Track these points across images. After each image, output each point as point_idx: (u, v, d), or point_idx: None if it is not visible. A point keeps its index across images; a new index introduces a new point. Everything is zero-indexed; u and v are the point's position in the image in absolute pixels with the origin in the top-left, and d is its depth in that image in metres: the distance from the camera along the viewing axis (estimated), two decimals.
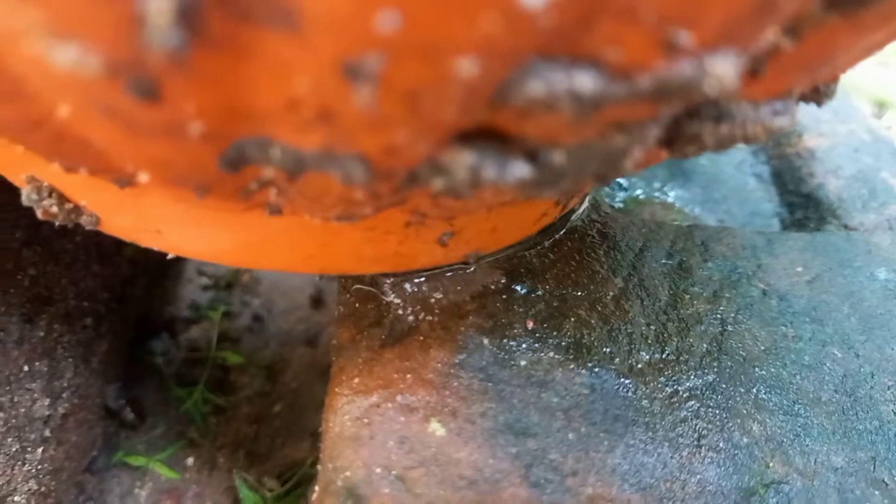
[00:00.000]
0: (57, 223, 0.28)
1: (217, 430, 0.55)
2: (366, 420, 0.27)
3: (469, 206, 0.24)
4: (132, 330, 0.54)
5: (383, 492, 0.26)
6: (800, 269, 0.37)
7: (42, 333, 0.38)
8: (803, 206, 0.45)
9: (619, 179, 0.45)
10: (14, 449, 0.36)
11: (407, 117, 0.15)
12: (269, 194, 0.22)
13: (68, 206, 0.28)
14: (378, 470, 0.26)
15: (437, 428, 0.27)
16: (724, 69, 0.14)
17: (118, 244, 0.49)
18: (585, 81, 0.14)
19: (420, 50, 0.13)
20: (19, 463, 0.36)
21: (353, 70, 0.13)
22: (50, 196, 0.27)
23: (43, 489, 0.39)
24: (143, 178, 0.20)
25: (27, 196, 0.28)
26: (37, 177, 0.27)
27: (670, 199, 0.44)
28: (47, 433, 0.38)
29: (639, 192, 0.44)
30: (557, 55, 0.14)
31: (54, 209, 0.27)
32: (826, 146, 0.48)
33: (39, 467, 0.38)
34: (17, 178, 0.28)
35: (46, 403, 0.38)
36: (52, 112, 0.17)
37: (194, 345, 0.60)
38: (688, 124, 0.19)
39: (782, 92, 0.18)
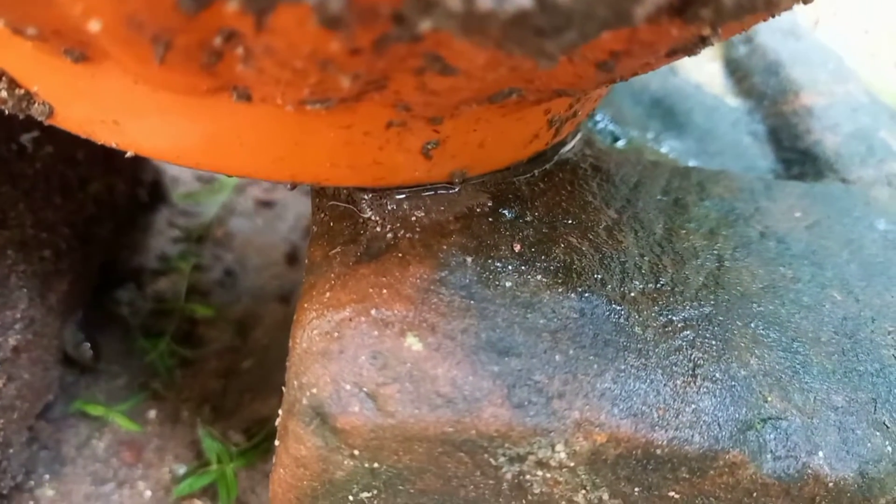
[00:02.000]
0: (6, 111, 0.26)
1: (182, 384, 0.52)
2: (336, 334, 0.25)
3: (457, 94, 0.22)
4: (97, 276, 0.51)
5: (352, 409, 0.24)
6: (798, 214, 0.35)
7: None
8: (800, 162, 0.43)
9: (610, 127, 0.43)
10: None
11: None
12: (236, 61, 0.20)
13: (19, 91, 0.25)
14: (347, 387, 0.24)
15: (413, 343, 0.24)
16: None
17: (82, 180, 0.46)
18: None
19: None
20: None
21: None
22: (0, 80, 0.25)
23: None
24: (95, 27, 0.18)
25: None
26: None
27: (664, 150, 0.43)
28: None
29: (631, 141, 0.43)
30: None
31: (3, 94, 0.25)
32: (823, 104, 0.46)
33: None
34: None
35: None
36: None
37: (162, 296, 0.57)
38: None
39: None
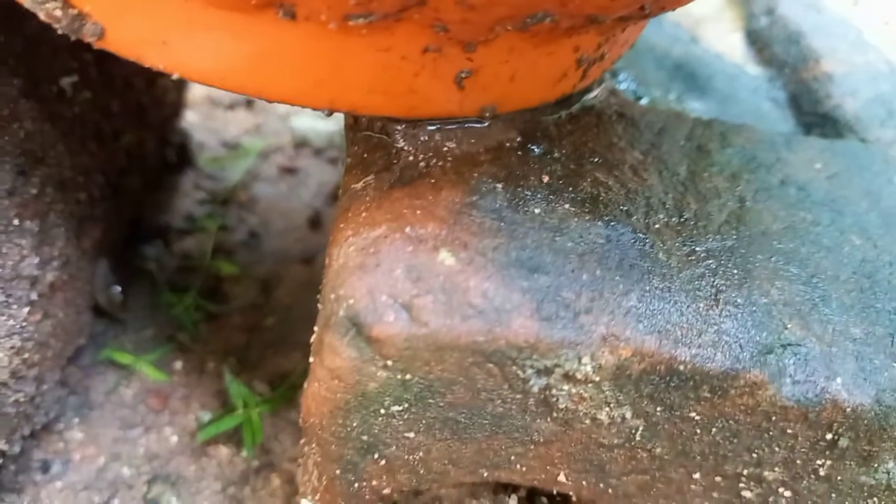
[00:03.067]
0: (59, 30, 0.27)
1: (207, 337, 0.53)
2: (372, 249, 0.26)
3: (495, 11, 0.23)
4: (126, 228, 0.53)
5: (387, 319, 0.25)
6: (818, 165, 0.36)
7: (34, 191, 0.37)
8: (820, 125, 0.44)
9: (633, 87, 0.44)
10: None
11: None
12: None
13: (72, 11, 0.26)
14: (383, 298, 0.25)
15: (446, 257, 0.25)
16: None
17: (116, 131, 0.47)
18: None
19: None
20: (3, 317, 0.35)
21: None
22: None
23: (26, 356, 0.38)
24: None
25: None
26: None
27: (686, 110, 0.44)
28: (34, 296, 0.37)
29: (653, 101, 0.43)
30: None
31: (58, 13, 0.26)
32: (844, 71, 0.47)
33: (24, 327, 0.36)
34: None
35: (35, 263, 0.37)
36: None
37: (188, 254, 0.58)
38: None
39: None
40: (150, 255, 0.57)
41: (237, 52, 0.26)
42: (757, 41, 0.53)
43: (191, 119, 0.68)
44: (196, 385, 0.51)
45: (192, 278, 0.56)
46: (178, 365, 0.51)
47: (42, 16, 0.26)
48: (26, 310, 0.36)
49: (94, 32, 0.27)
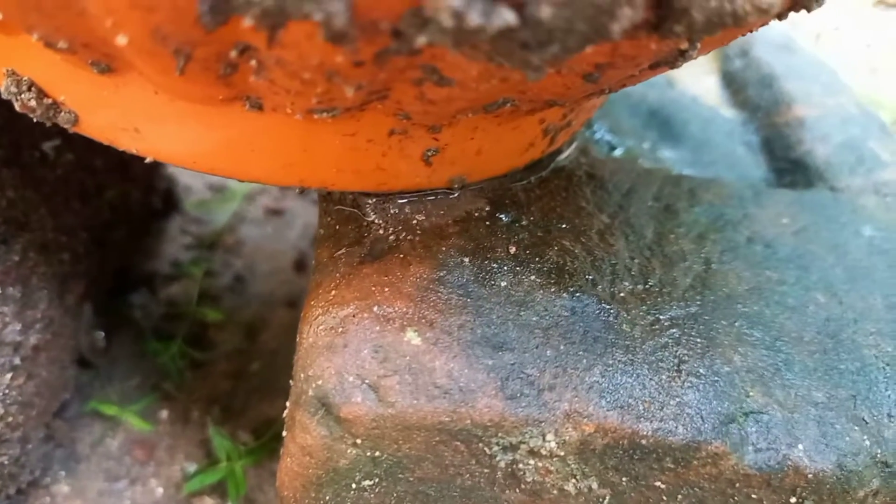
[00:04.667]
0: (35, 119, 0.27)
1: (193, 385, 0.54)
2: (340, 329, 0.26)
3: (454, 104, 0.24)
4: (111, 280, 0.53)
5: (355, 400, 0.25)
6: (786, 220, 0.36)
7: (17, 258, 0.37)
8: (791, 172, 0.44)
9: (607, 137, 0.44)
10: None
11: None
12: (249, 72, 0.22)
13: (47, 101, 0.27)
14: (351, 378, 0.25)
15: (412, 337, 0.26)
16: None
17: (100, 187, 0.48)
18: None
19: None
20: None
21: None
22: (29, 90, 0.27)
23: (10, 419, 0.38)
24: (122, 40, 0.20)
25: (6, 89, 0.27)
26: (16, 70, 0.27)
27: (660, 159, 0.44)
28: (17, 361, 0.38)
29: (628, 151, 0.44)
30: None
31: (33, 103, 0.27)
32: (815, 116, 0.48)
33: (7, 393, 0.37)
34: None
35: (17, 329, 0.37)
36: None
37: (174, 301, 0.59)
38: None
39: None
40: (135, 303, 0.57)
41: (207, 139, 0.27)
42: (732, 83, 0.54)
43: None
44: (181, 435, 0.51)
45: (177, 325, 0.56)
46: (164, 414, 0.52)
47: (17, 106, 0.27)
48: (9, 375, 0.37)
49: (69, 120, 0.27)
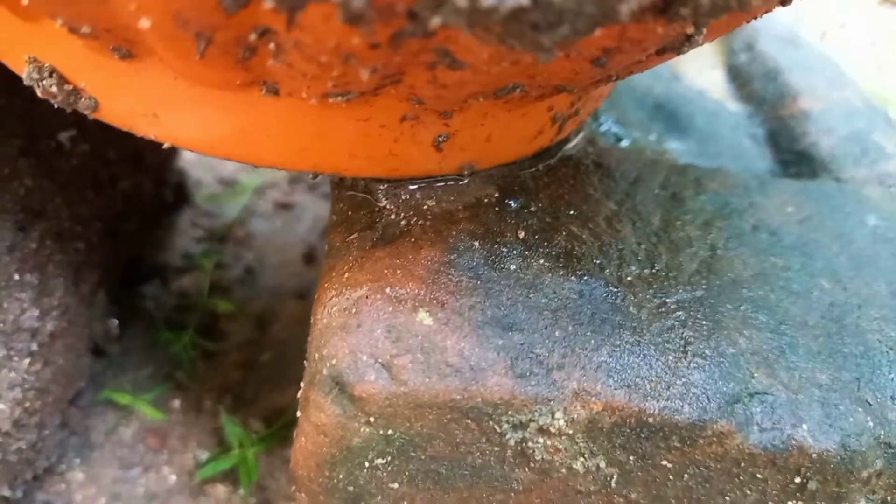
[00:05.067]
0: (56, 104, 0.28)
1: (204, 375, 0.54)
2: (354, 310, 0.27)
3: (465, 88, 0.24)
4: (123, 270, 0.54)
5: (368, 378, 0.26)
6: (791, 209, 0.37)
7: (34, 245, 0.38)
8: (796, 163, 0.45)
9: (614, 129, 0.45)
10: (1, 354, 0.36)
11: None
12: (267, 56, 0.22)
13: (68, 87, 0.28)
14: (364, 357, 0.26)
15: (424, 317, 0.27)
16: None
17: (113, 177, 0.49)
18: None
19: None
20: (5, 369, 0.36)
21: None
22: (51, 76, 0.28)
23: (28, 405, 0.39)
24: (145, 24, 0.21)
25: (28, 75, 0.28)
26: (38, 57, 0.28)
27: (666, 151, 0.45)
28: (34, 347, 0.38)
29: (634, 142, 0.45)
30: None
31: (54, 89, 0.28)
32: (820, 108, 0.48)
33: (25, 378, 0.38)
34: (19, 60, 0.28)
35: (35, 315, 0.38)
36: None
37: (185, 292, 0.60)
38: None
39: None
40: (148, 294, 0.58)
41: (224, 125, 0.27)
42: (737, 77, 0.54)
43: (187, 157, 0.69)
44: (193, 424, 0.52)
45: (189, 316, 0.57)
46: (176, 403, 0.52)
47: (39, 92, 0.28)
48: (27, 361, 0.38)
49: (89, 106, 0.28)
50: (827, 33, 0.92)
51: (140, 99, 0.27)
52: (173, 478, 0.48)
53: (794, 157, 0.46)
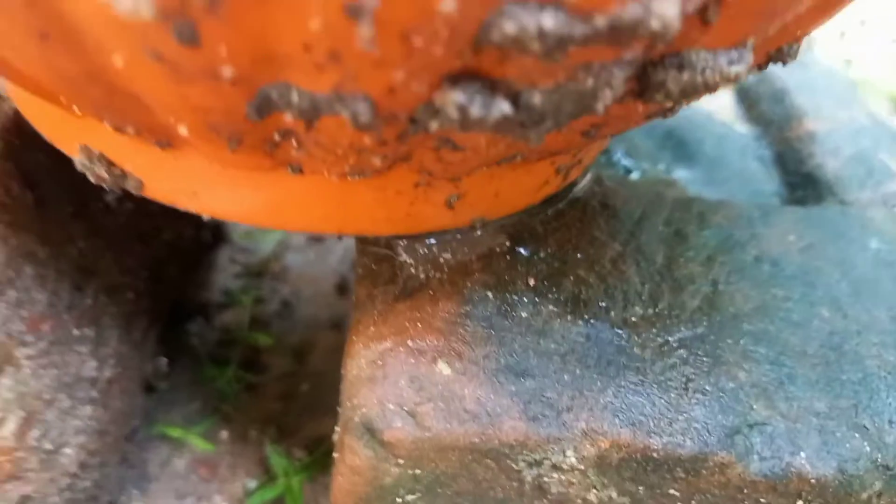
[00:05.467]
0: (106, 187, 0.32)
1: (248, 406, 0.58)
2: (380, 362, 0.30)
3: (468, 163, 0.27)
4: (168, 312, 0.58)
5: (396, 425, 0.29)
6: (792, 237, 0.39)
7: (90, 301, 0.42)
8: (802, 186, 0.46)
9: (623, 161, 0.47)
10: (66, 404, 0.39)
11: (403, 57, 0.18)
12: (291, 148, 0.25)
13: (116, 171, 0.31)
14: (391, 406, 0.29)
15: (443, 368, 0.29)
16: (666, 9, 0.17)
17: (156, 229, 0.52)
18: (550, 19, 0.17)
19: None
20: (70, 417, 0.40)
21: (354, 9, 0.16)
22: (100, 162, 0.31)
23: (91, 447, 0.42)
24: (183, 130, 0.24)
25: (80, 163, 0.31)
26: (89, 146, 0.31)
27: (675, 180, 0.47)
28: (94, 394, 0.42)
29: (643, 173, 0.47)
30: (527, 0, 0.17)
31: (103, 173, 0.31)
32: (826, 129, 0.49)
33: (88, 424, 0.41)
34: (72, 148, 0.32)
35: (94, 366, 0.41)
36: (108, 63, 0.20)
37: (227, 327, 0.63)
38: (654, 73, 0.21)
39: (736, 41, 0.21)
40: (192, 332, 0.62)
41: (256, 199, 0.30)
42: (745, 99, 0.56)
43: None
44: (240, 454, 0.55)
45: (231, 351, 0.61)
46: (224, 434, 0.56)
47: (91, 176, 0.31)
48: (89, 408, 0.41)
49: (135, 186, 0.31)
50: (846, 33, 0.93)
51: (180, 179, 0.30)
52: None
53: (801, 179, 0.47)
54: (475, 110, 0.20)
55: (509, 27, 0.17)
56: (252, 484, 0.53)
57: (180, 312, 0.61)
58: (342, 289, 0.68)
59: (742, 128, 0.54)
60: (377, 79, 0.19)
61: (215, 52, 0.18)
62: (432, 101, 0.20)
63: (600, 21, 0.17)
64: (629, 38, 0.18)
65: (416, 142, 0.24)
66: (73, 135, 0.31)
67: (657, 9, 0.17)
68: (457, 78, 0.19)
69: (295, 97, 0.20)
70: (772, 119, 0.52)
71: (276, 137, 0.24)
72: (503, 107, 0.20)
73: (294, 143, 0.24)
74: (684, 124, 0.53)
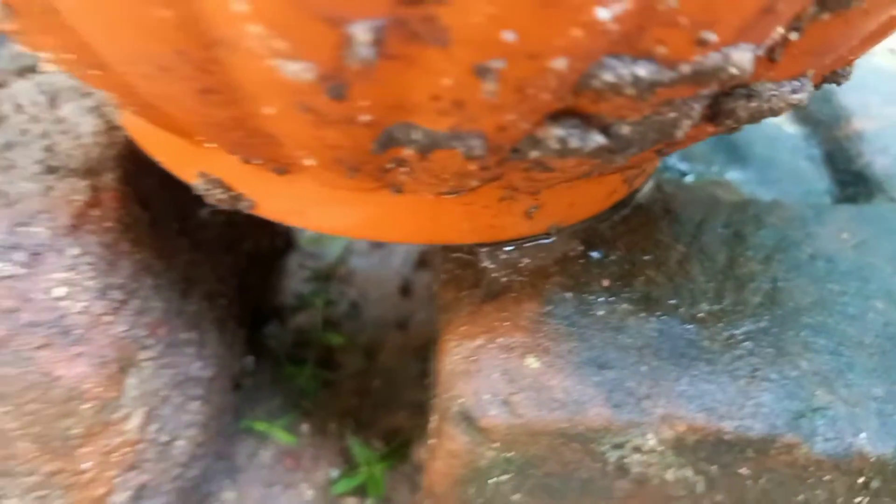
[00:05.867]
0: (222, 208, 0.36)
1: (326, 402, 0.62)
2: (473, 358, 0.33)
3: (553, 180, 0.30)
4: (250, 316, 0.62)
5: (491, 413, 0.32)
6: (845, 235, 0.41)
7: (194, 308, 0.46)
8: (853, 184, 0.49)
9: (679, 166, 0.50)
10: (178, 401, 0.44)
11: (516, 103, 0.21)
12: (399, 173, 0.29)
13: (232, 193, 0.35)
14: (486, 396, 0.32)
15: (532, 362, 0.33)
16: (741, 57, 0.20)
17: (240, 239, 0.57)
18: (643, 69, 0.20)
19: (528, 53, 0.19)
20: (182, 413, 0.44)
21: (482, 70, 0.20)
22: (218, 187, 0.35)
23: (198, 439, 0.47)
24: (310, 162, 0.27)
25: (199, 187, 0.35)
26: (207, 172, 0.35)
27: (728, 181, 0.49)
28: (200, 391, 0.46)
29: (698, 176, 0.50)
30: (622, 53, 0.20)
31: (221, 196, 0.35)
32: (874, 128, 0.51)
33: (195, 419, 0.45)
34: (190, 175, 0.36)
35: (199, 366, 0.46)
36: (257, 112, 0.24)
37: (301, 329, 0.67)
38: (725, 102, 0.24)
39: (797, 73, 0.24)
40: (269, 334, 0.66)
41: (357, 215, 0.34)
42: None
43: None
44: (321, 445, 0.59)
45: (307, 351, 0.65)
46: (305, 428, 0.60)
47: (210, 200, 0.35)
48: (197, 404, 0.46)
49: (248, 206, 0.35)
50: None
51: (291, 200, 0.34)
52: (310, 493, 0.56)
53: (851, 177, 0.49)
54: (573, 142, 0.23)
55: (608, 76, 0.20)
56: (334, 473, 0.57)
57: (259, 316, 0.66)
58: (405, 290, 0.72)
59: (791, 128, 0.56)
60: (491, 120, 0.22)
61: (358, 105, 0.22)
62: (535, 134, 0.24)
63: (685, 68, 0.20)
64: (709, 80, 0.21)
65: (511, 166, 0.27)
66: (193, 163, 0.35)
67: (735, 57, 0.20)
68: (556, 115, 0.23)
69: (417, 135, 0.24)
70: (820, 119, 0.55)
71: (390, 165, 0.28)
72: (598, 138, 0.23)
73: (405, 169, 0.28)
74: None
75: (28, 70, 0.47)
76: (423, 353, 0.66)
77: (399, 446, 0.57)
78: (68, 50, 0.24)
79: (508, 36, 0.18)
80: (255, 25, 0.18)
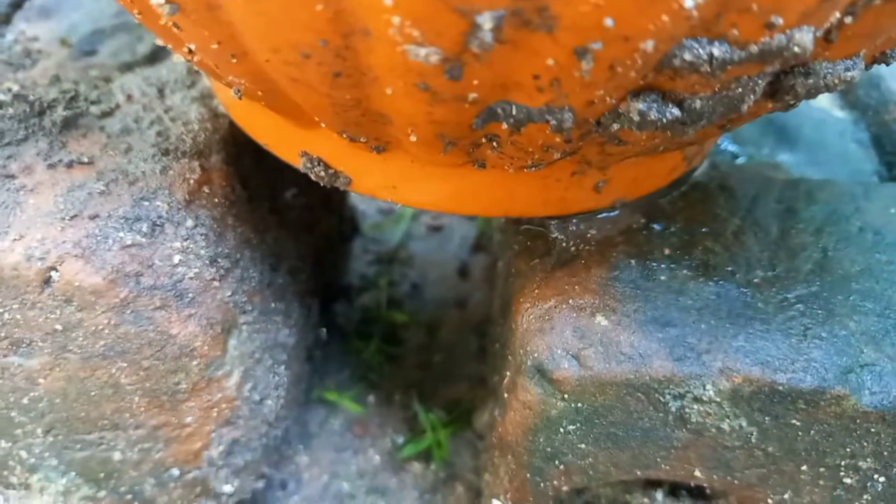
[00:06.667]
0: (322, 184, 0.40)
1: (391, 375, 0.66)
2: (547, 317, 0.37)
3: (624, 153, 0.34)
4: (322, 293, 0.66)
5: (563, 366, 0.36)
6: (893, 210, 0.44)
7: (281, 280, 0.50)
8: None
9: (730, 148, 0.53)
10: (268, 363, 0.48)
11: (606, 80, 0.25)
12: (488, 148, 0.33)
13: (331, 171, 0.39)
14: (559, 351, 0.36)
15: (601, 320, 0.36)
16: (803, 38, 0.23)
17: (316, 221, 0.61)
18: (717, 49, 0.23)
19: (623, 36, 0.23)
20: (271, 374, 0.49)
21: (582, 52, 0.23)
22: (319, 164, 0.39)
23: (282, 401, 0.51)
24: (413, 137, 0.31)
25: (303, 165, 0.39)
26: (309, 151, 0.39)
27: (779, 162, 0.52)
28: (285, 357, 0.51)
29: (749, 158, 0.52)
30: (700, 35, 0.23)
31: (322, 173, 0.39)
32: None
33: (281, 381, 0.50)
34: (292, 155, 0.40)
35: (285, 333, 0.50)
36: (377, 93, 0.28)
37: (366, 307, 0.72)
38: (785, 80, 0.28)
39: (851, 53, 0.27)
40: (338, 311, 0.70)
41: (443, 189, 0.38)
42: None
43: (353, 195, 0.82)
44: (387, 414, 0.63)
45: (373, 327, 0.69)
46: (371, 399, 0.64)
47: (312, 176, 0.39)
48: (283, 368, 0.50)
49: (345, 183, 0.40)
50: None
51: (384, 176, 0.38)
52: (377, 458, 0.60)
53: None
54: (653, 115, 0.26)
55: (687, 56, 0.24)
56: (400, 439, 0.61)
57: (328, 294, 0.70)
58: (462, 272, 0.76)
59: (839, 113, 0.58)
60: (583, 95, 0.26)
61: (470, 84, 0.25)
62: (618, 108, 0.27)
63: (754, 48, 0.24)
64: (774, 58, 0.24)
65: (591, 140, 0.31)
66: (296, 143, 0.40)
67: (797, 38, 0.23)
68: (638, 91, 0.26)
69: (514, 111, 0.28)
70: (868, 103, 0.57)
71: (483, 141, 0.31)
72: (674, 111, 0.27)
73: (494, 144, 0.32)
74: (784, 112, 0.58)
75: (128, 66, 0.52)
76: (481, 329, 0.70)
77: (461, 414, 0.61)
78: (216, 40, 0.29)
79: (608, 21, 0.22)
80: (396, 16, 0.22)
